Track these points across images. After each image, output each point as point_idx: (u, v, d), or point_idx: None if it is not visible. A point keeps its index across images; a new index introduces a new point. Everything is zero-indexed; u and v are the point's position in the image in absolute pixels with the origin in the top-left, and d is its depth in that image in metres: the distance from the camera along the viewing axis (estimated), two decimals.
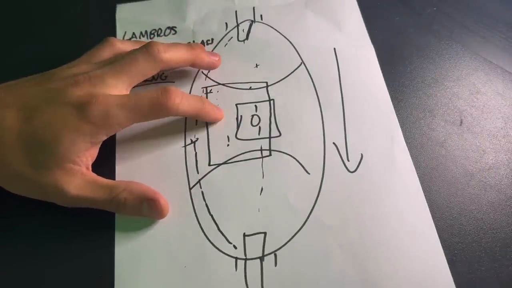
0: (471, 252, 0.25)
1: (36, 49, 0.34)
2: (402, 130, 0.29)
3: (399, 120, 0.29)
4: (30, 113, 0.24)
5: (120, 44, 0.29)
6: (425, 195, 0.26)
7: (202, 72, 0.32)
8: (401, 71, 0.32)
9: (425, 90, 0.31)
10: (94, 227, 0.26)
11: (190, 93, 0.31)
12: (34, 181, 0.24)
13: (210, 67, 0.31)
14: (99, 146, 0.26)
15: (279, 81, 0.31)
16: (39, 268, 0.25)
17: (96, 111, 0.24)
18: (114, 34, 0.34)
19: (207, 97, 0.31)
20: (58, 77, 0.26)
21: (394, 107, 0.30)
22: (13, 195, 0.25)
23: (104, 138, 0.25)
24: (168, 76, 0.32)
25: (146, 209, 0.25)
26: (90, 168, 0.26)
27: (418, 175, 0.27)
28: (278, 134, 0.29)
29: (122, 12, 0.35)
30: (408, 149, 0.28)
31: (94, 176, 0.26)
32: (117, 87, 0.25)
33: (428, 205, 0.26)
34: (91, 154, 0.25)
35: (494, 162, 0.28)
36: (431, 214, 0.26)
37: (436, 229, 0.25)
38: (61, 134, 0.24)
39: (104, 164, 0.27)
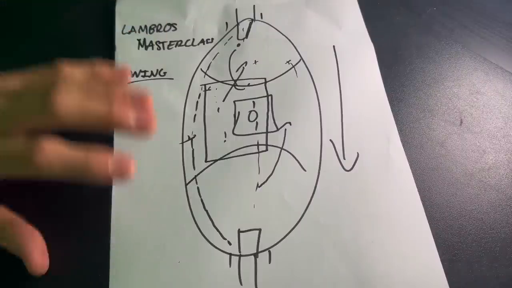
0: (471, 252, 0.25)
1: (36, 49, 0.34)
2: (402, 130, 0.29)
3: (399, 120, 0.29)
4: None
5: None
6: (425, 195, 0.26)
7: (201, 69, 0.32)
8: (401, 71, 0.32)
9: (425, 90, 0.31)
10: (89, 222, 0.26)
11: (188, 90, 0.31)
12: None
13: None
14: None
15: (277, 77, 0.31)
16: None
17: None
18: (114, 34, 0.34)
19: (205, 95, 0.31)
20: None
21: (394, 107, 0.30)
22: (10, 196, 0.25)
23: None
24: (167, 72, 0.32)
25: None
26: None
27: (417, 175, 0.27)
28: (275, 128, 0.29)
29: (122, 5, 0.35)
30: (408, 149, 0.28)
31: None
32: None
33: (428, 205, 0.26)
34: None
35: (494, 162, 0.28)
36: (431, 214, 0.25)
37: (436, 229, 0.25)
38: None
39: None
